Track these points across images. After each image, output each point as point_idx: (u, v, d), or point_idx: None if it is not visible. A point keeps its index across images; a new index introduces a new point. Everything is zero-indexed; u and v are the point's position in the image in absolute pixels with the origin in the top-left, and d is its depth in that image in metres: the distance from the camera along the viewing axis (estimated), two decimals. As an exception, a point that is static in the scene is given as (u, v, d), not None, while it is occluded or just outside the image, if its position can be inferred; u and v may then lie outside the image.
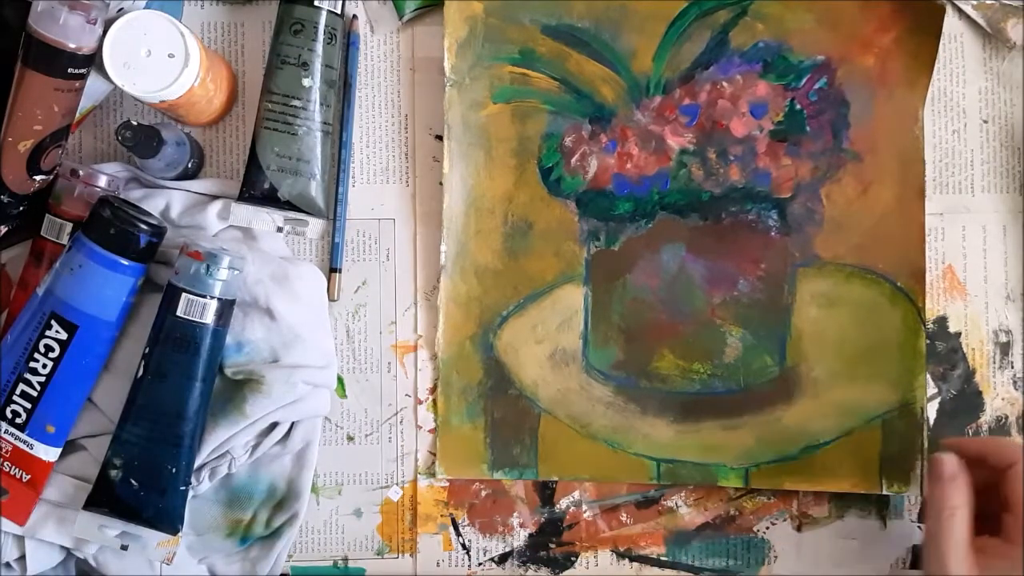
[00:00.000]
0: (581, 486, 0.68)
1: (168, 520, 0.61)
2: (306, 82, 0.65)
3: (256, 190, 0.65)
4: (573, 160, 0.67)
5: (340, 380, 0.69)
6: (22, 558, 0.63)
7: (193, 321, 0.60)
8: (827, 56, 0.66)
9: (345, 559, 0.69)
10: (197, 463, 0.63)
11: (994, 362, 0.68)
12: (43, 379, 0.61)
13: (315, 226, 0.67)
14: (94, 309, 0.61)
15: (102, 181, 0.64)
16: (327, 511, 0.68)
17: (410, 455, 0.69)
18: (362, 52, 0.69)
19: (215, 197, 0.66)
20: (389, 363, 0.69)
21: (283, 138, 0.65)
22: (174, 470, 0.61)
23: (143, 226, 0.61)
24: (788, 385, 0.67)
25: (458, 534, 0.68)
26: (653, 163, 0.67)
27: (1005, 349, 0.68)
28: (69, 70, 0.60)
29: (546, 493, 0.68)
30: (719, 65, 0.67)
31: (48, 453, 0.62)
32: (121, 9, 0.64)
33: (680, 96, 0.67)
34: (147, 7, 0.65)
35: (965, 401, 0.68)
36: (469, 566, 0.68)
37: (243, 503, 0.66)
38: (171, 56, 0.60)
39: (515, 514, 0.68)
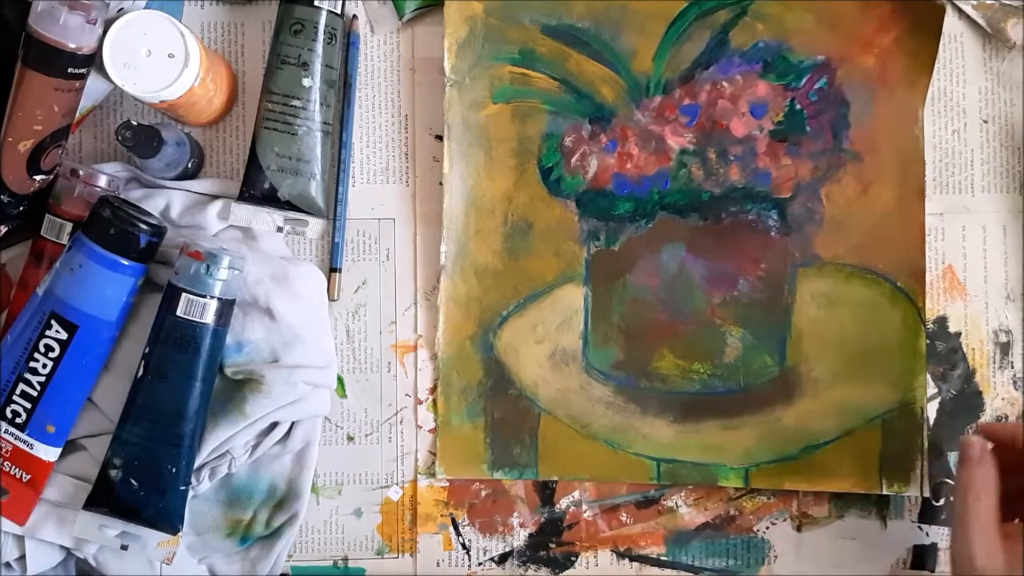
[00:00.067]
0: (581, 486, 0.68)
1: (168, 520, 0.61)
2: (306, 82, 0.65)
3: (256, 190, 0.65)
4: (573, 160, 0.67)
5: (340, 380, 0.69)
6: (22, 558, 0.63)
7: (193, 321, 0.60)
8: (827, 56, 0.66)
9: (345, 559, 0.69)
10: (197, 463, 0.63)
11: (994, 362, 0.68)
12: (43, 379, 0.61)
13: (315, 226, 0.67)
14: (94, 309, 0.61)
15: (102, 181, 0.64)
16: (327, 511, 0.68)
17: (410, 455, 0.69)
18: (362, 52, 0.69)
19: (215, 197, 0.66)
20: (389, 363, 0.69)
21: (283, 138, 0.65)
22: (174, 470, 0.61)
23: (143, 226, 0.61)
24: (788, 385, 0.67)
25: (458, 534, 0.68)
26: (653, 163, 0.67)
27: (1005, 349, 0.68)
28: (69, 70, 0.60)
29: (546, 493, 0.68)
30: (719, 65, 0.67)
31: (48, 453, 0.62)
32: (121, 9, 0.64)
33: (680, 96, 0.67)
34: (147, 7, 0.65)
35: (965, 401, 0.68)
36: (469, 566, 0.68)
37: (243, 503, 0.66)
38: (171, 56, 0.60)
39: (515, 514, 0.68)
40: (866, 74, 0.66)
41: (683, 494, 0.68)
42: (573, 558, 0.68)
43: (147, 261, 0.62)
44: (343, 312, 0.69)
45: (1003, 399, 0.68)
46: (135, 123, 0.61)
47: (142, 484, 0.61)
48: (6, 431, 0.62)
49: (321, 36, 0.65)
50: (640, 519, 0.68)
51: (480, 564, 0.68)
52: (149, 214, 0.63)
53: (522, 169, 0.68)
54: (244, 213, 0.65)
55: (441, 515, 0.68)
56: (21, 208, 0.64)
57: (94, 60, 0.61)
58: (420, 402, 0.69)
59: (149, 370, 0.61)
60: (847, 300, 0.66)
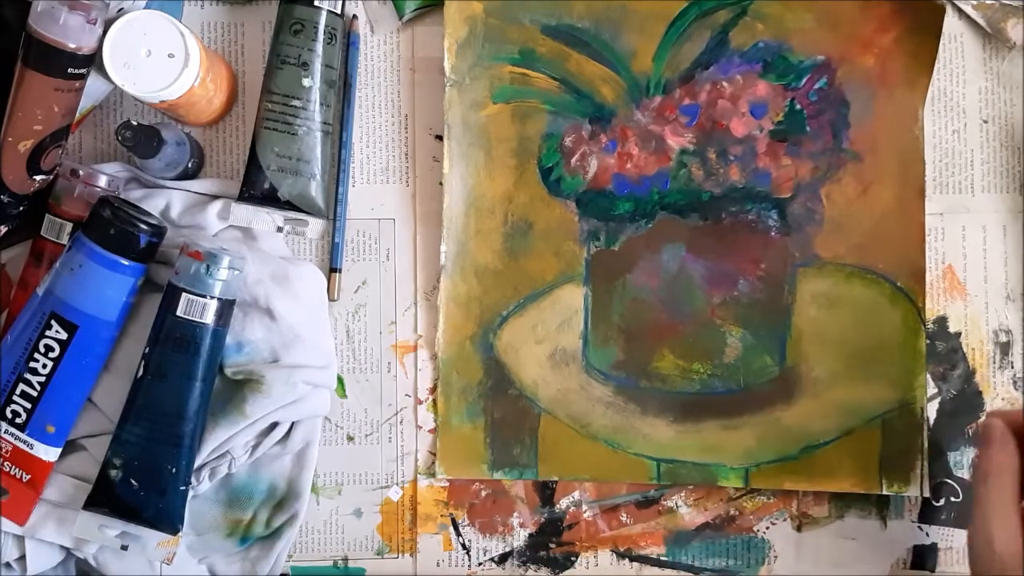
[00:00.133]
0: (581, 486, 0.68)
1: (168, 520, 0.61)
2: (306, 82, 0.65)
3: (256, 190, 0.65)
4: (573, 160, 0.67)
5: (340, 380, 0.69)
6: (22, 558, 0.63)
7: (193, 321, 0.60)
8: (827, 56, 0.66)
9: (345, 559, 0.69)
10: (197, 463, 0.63)
11: (994, 362, 0.68)
12: (43, 379, 0.61)
13: (315, 226, 0.67)
14: (94, 309, 0.61)
15: (102, 181, 0.64)
16: (327, 511, 0.68)
17: (410, 455, 0.69)
18: (362, 52, 0.69)
19: (215, 197, 0.66)
20: (389, 363, 0.69)
21: (283, 138, 0.65)
22: (174, 470, 0.61)
23: (143, 226, 0.61)
24: (788, 385, 0.67)
25: (458, 534, 0.68)
26: (653, 163, 0.67)
27: (1005, 349, 0.68)
28: (69, 70, 0.60)
29: (546, 493, 0.68)
30: (719, 65, 0.67)
31: (48, 453, 0.62)
32: (121, 9, 0.64)
33: (680, 96, 0.67)
34: (147, 7, 0.65)
35: (965, 401, 0.68)
36: (469, 566, 0.68)
37: (243, 503, 0.66)
38: (171, 56, 0.60)
39: (515, 514, 0.68)
40: (866, 74, 0.66)
41: (683, 494, 0.68)
42: (573, 558, 0.68)
43: (147, 261, 0.62)
44: (343, 312, 0.69)
45: (1003, 399, 0.68)
46: (135, 123, 0.61)
47: (142, 484, 0.61)
48: (6, 431, 0.62)
49: (321, 36, 0.65)
50: (640, 519, 0.68)
51: (480, 564, 0.68)
52: (149, 214, 0.63)
53: (522, 169, 0.68)
54: (244, 213, 0.65)
55: (441, 515, 0.68)
56: (21, 208, 0.64)
57: (94, 60, 0.61)
58: (420, 402, 0.69)
59: (149, 370, 0.61)
60: (847, 300, 0.66)
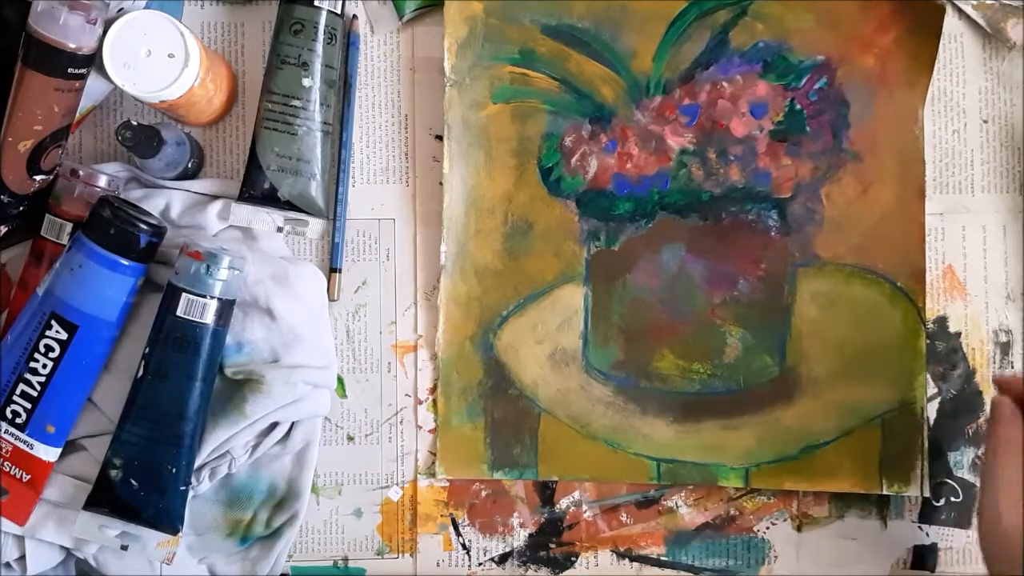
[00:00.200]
0: (581, 486, 0.68)
1: (168, 520, 0.61)
2: (306, 82, 0.65)
3: (256, 190, 0.65)
4: (573, 160, 0.67)
5: (340, 380, 0.69)
6: (22, 558, 0.63)
7: (193, 321, 0.60)
8: (827, 56, 0.66)
9: (345, 559, 0.69)
10: (197, 463, 0.63)
11: (994, 362, 0.68)
12: (43, 379, 0.61)
13: (315, 226, 0.67)
14: (94, 309, 0.61)
15: (102, 181, 0.64)
16: (327, 511, 0.68)
17: (410, 455, 0.69)
18: (362, 52, 0.69)
19: (215, 197, 0.66)
20: (389, 363, 0.69)
21: (283, 138, 0.65)
22: (174, 470, 0.61)
23: (143, 226, 0.61)
24: (788, 385, 0.67)
25: (458, 534, 0.68)
26: (653, 163, 0.67)
27: (1005, 349, 0.68)
28: (69, 70, 0.60)
29: (546, 493, 0.68)
30: (719, 65, 0.67)
31: (48, 453, 0.62)
32: (121, 9, 0.64)
33: (680, 96, 0.67)
34: (147, 7, 0.65)
35: (965, 401, 0.68)
36: (469, 566, 0.68)
37: (243, 503, 0.66)
38: (171, 56, 0.60)
39: (515, 514, 0.68)
40: (866, 74, 0.66)
41: (683, 494, 0.68)
42: (573, 558, 0.68)
43: (147, 261, 0.62)
44: (343, 312, 0.69)
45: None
46: (135, 123, 0.61)
47: (142, 484, 0.61)
48: (6, 431, 0.62)
49: (321, 36, 0.65)
50: (640, 519, 0.68)
51: (480, 564, 0.68)
52: (149, 214, 0.63)
53: (522, 169, 0.68)
54: (244, 213, 0.65)
55: (441, 515, 0.68)
56: (21, 208, 0.64)
57: (94, 60, 0.61)
58: (420, 402, 0.69)
59: (149, 370, 0.61)
60: (847, 300, 0.66)
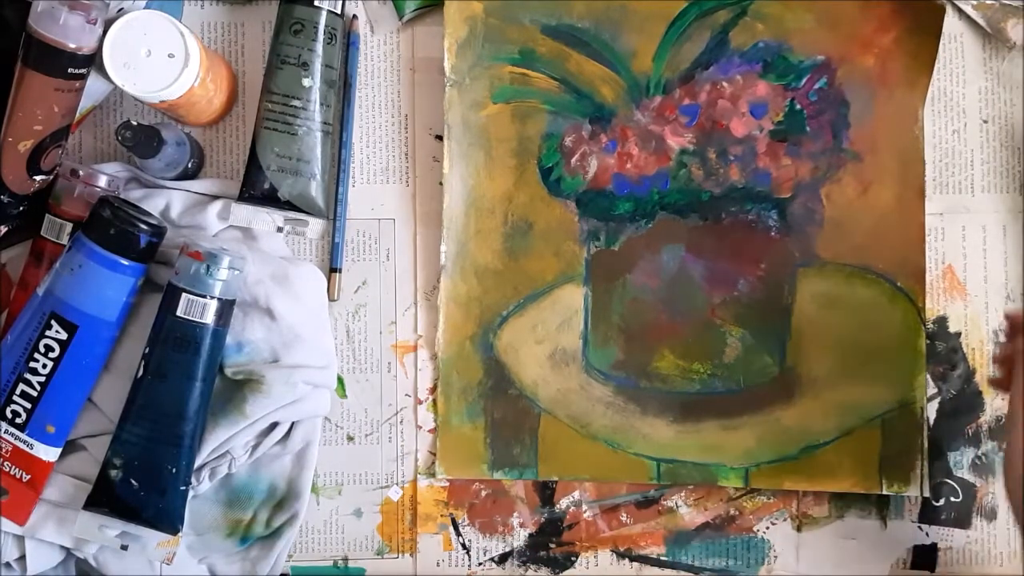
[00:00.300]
0: (581, 486, 0.68)
1: (168, 520, 0.61)
2: (306, 82, 0.65)
3: (256, 190, 0.65)
4: (573, 160, 0.67)
5: (340, 380, 0.69)
6: (22, 558, 0.63)
7: (193, 321, 0.60)
8: (827, 56, 0.66)
9: (345, 559, 0.69)
10: (197, 463, 0.63)
11: (994, 362, 0.68)
12: (43, 379, 0.61)
13: (315, 226, 0.67)
14: (94, 309, 0.61)
15: (102, 181, 0.64)
16: (327, 511, 0.68)
17: (410, 455, 0.69)
18: (362, 52, 0.69)
19: (215, 197, 0.66)
20: (389, 363, 0.69)
21: (283, 138, 0.65)
22: (174, 470, 0.61)
23: (143, 226, 0.61)
24: (788, 385, 0.67)
25: (458, 534, 0.68)
26: (653, 163, 0.67)
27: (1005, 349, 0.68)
28: (69, 70, 0.60)
29: (546, 493, 0.68)
30: (719, 65, 0.67)
31: (48, 453, 0.62)
32: (121, 9, 0.64)
33: (680, 96, 0.67)
34: (147, 7, 0.65)
35: (965, 401, 0.68)
36: (469, 566, 0.68)
37: (243, 503, 0.66)
38: (171, 56, 0.60)
39: (515, 514, 0.68)
40: (866, 74, 0.66)
41: (683, 494, 0.68)
42: (573, 558, 0.68)
43: (147, 261, 0.62)
44: (343, 312, 0.69)
45: (1003, 399, 0.68)
46: (135, 123, 0.61)
47: (142, 484, 0.61)
48: (6, 431, 0.62)
49: (321, 36, 0.65)
50: (640, 519, 0.68)
51: (480, 564, 0.68)
52: (149, 214, 0.63)
53: (522, 169, 0.68)
54: (244, 213, 0.65)
55: (441, 515, 0.68)
56: (21, 208, 0.64)
57: (94, 60, 0.61)
58: (420, 402, 0.69)
59: (149, 370, 0.61)
60: (847, 300, 0.66)
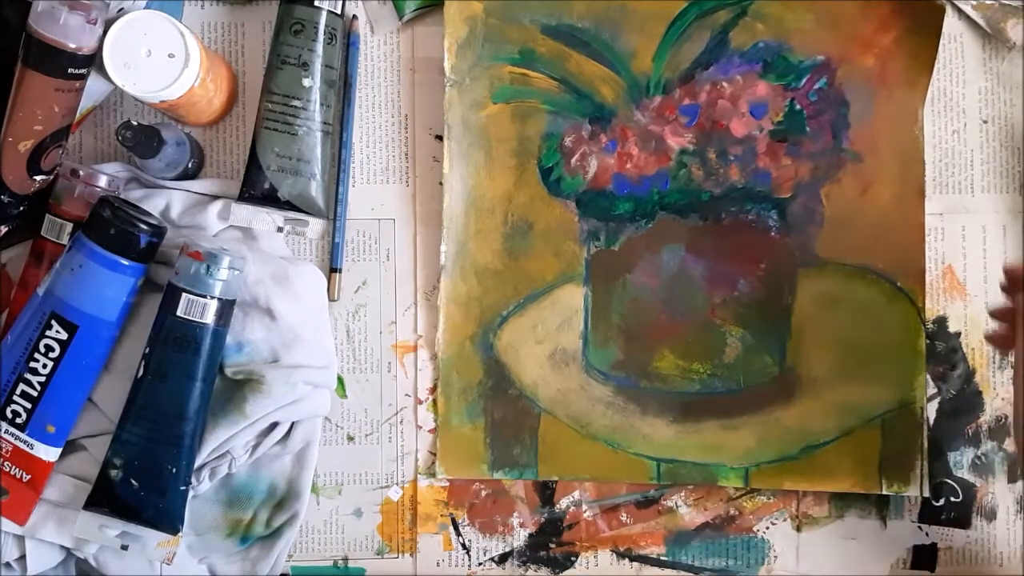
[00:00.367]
0: (581, 486, 0.68)
1: (168, 520, 0.61)
2: (306, 82, 0.65)
3: (256, 190, 0.65)
4: (573, 160, 0.67)
5: (340, 380, 0.69)
6: (22, 558, 0.63)
7: (193, 321, 0.60)
8: (827, 56, 0.66)
9: (345, 559, 0.69)
10: (197, 463, 0.63)
11: (994, 362, 0.68)
12: (43, 379, 0.61)
13: (315, 226, 0.67)
14: (94, 309, 0.61)
15: (102, 181, 0.64)
16: (327, 511, 0.68)
17: (410, 455, 0.69)
18: (362, 52, 0.69)
19: (215, 197, 0.66)
20: (389, 363, 0.69)
21: (283, 138, 0.65)
22: (174, 470, 0.61)
23: (143, 226, 0.61)
24: (788, 385, 0.67)
25: (458, 534, 0.68)
26: (653, 163, 0.67)
27: (1005, 349, 0.68)
28: (69, 70, 0.60)
29: (546, 493, 0.68)
30: (719, 65, 0.67)
31: (48, 453, 0.62)
32: (121, 9, 0.64)
33: (680, 96, 0.67)
34: (147, 7, 0.65)
35: (965, 401, 0.68)
36: (469, 566, 0.68)
37: (243, 503, 0.66)
38: (171, 56, 0.60)
39: (515, 514, 0.68)
40: (866, 74, 0.66)
41: (683, 494, 0.68)
42: (573, 558, 0.68)
43: (147, 261, 0.62)
44: (343, 312, 0.69)
45: (1003, 399, 0.68)
46: (135, 123, 0.61)
47: (142, 484, 0.61)
48: (6, 431, 0.62)
49: (321, 36, 0.65)
50: (640, 519, 0.68)
51: (480, 564, 0.68)
52: (149, 214, 0.63)
53: (522, 169, 0.68)
54: (244, 213, 0.65)
55: (441, 515, 0.68)
56: (21, 208, 0.64)
57: (94, 60, 0.61)
58: (420, 402, 0.69)
59: (149, 370, 0.61)
60: (847, 300, 0.66)
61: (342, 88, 0.68)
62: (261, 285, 0.64)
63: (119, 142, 0.61)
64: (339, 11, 0.65)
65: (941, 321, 0.68)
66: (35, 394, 0.61)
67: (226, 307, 0.62)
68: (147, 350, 0.61)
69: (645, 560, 0.68)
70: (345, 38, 0.68)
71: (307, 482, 0.67)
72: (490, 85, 0.67)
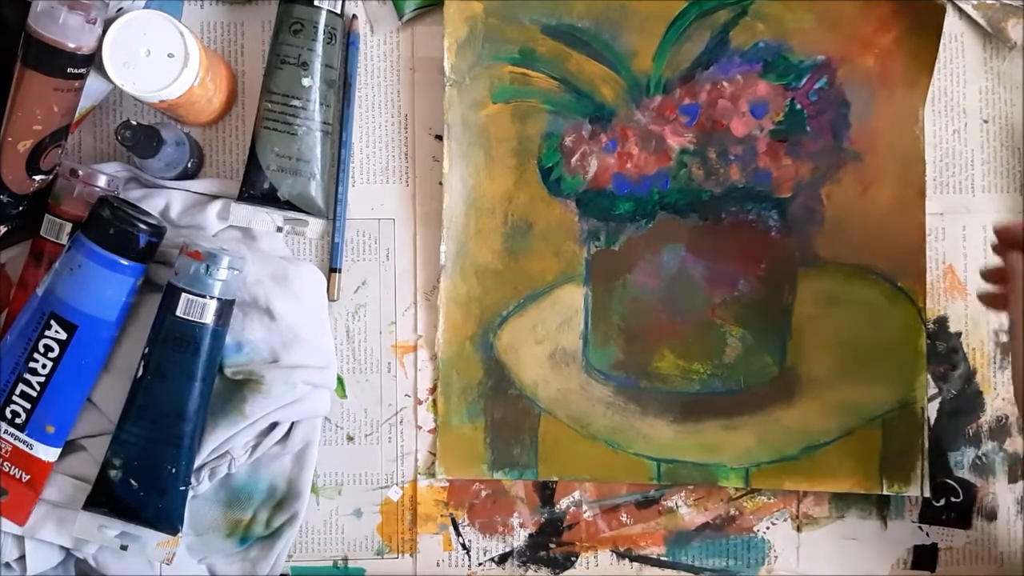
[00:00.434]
0: (581, 486, 0.68)
1: (168, 520, 0.61)
2: (306, 82, 0.65)
3: (256, 190, 0.65)
4: (573, 160, 0.67)
5: (340, 380, 0.69)
6: (22, 558, 0.63)
7: (193, 321, 0.60)
8: (827, 56, 0.66)
9: (345, 559, 0.69)
10: (197, 463, 0.63)
11: (994, 362, 0.68)
12: (43, 379, 0.61)
13: (315, 226, 0.67)
14: (94, 309, 0.61)
15: (102, 181, 0.64)
16: (327, 511, 0.68)
17: (410, 455, 0.69)
18: (362, 52, 0.69)
19: (215, 197, 0.66)
20: (389, 363, 0.69)
21: (283, 138, 0.65)
22: (174, 470, 0.61)
23: (143, 226, 0.61)
24: (788, 385, 0.67)
25: (458, 534, 0.68)
26: (653, 163, 0.67)
27: (1006, 349, 0.68)
28: (69, 70, 0.60)
29: (546, 493, 0.68)
30: (719, 65, 0.67)
31: (48, 453, 0.62)
32: (121, 9, 0.64)
33: (680, 96, 0.67)
34: (146, 7, 0.65)
35: (966, 401, 0.68)
36: (469, 566, 0.68)
37: (243, 503, 0.66)
38: (171, 56, 0.60)
39: (515, 514, 0.68)
40: (866, 74, 0.66)
41: (683, 494, 0.68)
42: (573, 558, 0.68)
43: (147, 261, 0.62)
44: (343, 312, 0.69)
45: (1003, 399, 0.68)
46: (135, 123, 0.61)
47: (142, 484, 0.61)
48: (6, 431, 0.61)
49: (321, 36, 0.65)
50: (640, 519, 0.68)
51: (480, 564, 0.68)
52: (149, 214, 0.63)
53: (522, 169, 0.68)
54: (244, 213, 0.65)
55: (441, 515, 0.68)
56: (21, 208, 0.64)
57: (94, 60, 0.61)
58: (420, 402, 0.69)
59: (149, 370, 0.61)
60: (847, 300, 0.66)
61: (342, 88, 0.68)
62: (261, 285, 0.64)
63: (118, 142, 0.61)
64: (339, 11, 0.65)
65: (942, 321, 0.68)
66: (34, 394, 0.61)
67: (225, 307, 0.62)
68: (146, 350, 0.61)
69: (645, 560, 0.68)
70: (345, 38, 0.68)
71: (307, 482, 0.67)
72: (490, 85, 0.67)
